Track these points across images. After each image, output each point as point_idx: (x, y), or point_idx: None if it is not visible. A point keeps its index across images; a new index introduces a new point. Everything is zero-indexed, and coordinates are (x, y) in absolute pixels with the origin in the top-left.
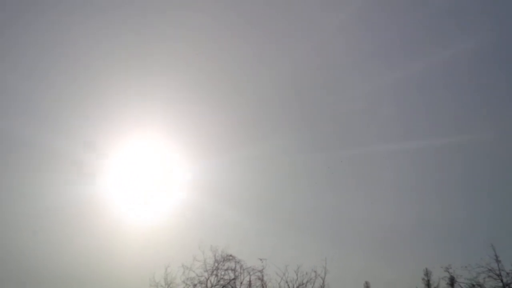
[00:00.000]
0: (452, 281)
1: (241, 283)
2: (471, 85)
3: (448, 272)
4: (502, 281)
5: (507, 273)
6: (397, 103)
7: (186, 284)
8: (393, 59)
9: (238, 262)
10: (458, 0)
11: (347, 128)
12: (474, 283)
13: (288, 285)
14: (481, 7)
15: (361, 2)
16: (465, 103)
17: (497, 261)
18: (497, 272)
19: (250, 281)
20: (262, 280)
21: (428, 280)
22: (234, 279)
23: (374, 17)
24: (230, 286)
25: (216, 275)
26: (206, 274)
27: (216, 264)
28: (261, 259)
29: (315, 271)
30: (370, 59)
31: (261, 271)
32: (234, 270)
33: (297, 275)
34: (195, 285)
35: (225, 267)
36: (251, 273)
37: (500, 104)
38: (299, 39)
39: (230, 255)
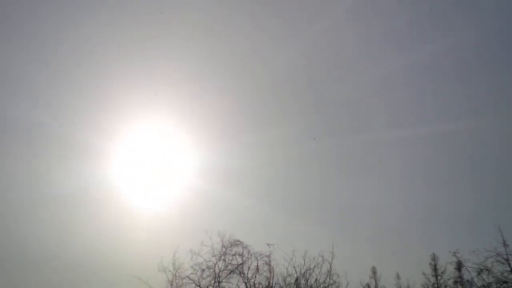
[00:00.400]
0: (459, 265)
1: (249, 268)
2: (481, 71)
3: (456, 257)
4: (510, 265)
5: None
6: (407, 88)
7: (194, 269)
8: (402, 44)
9: (246, 247)
10: None
11: (357, 114)
12: (482, 268)
13: (295, 270)
14: None
15: None
16: (475, 89)
17: (505, 245)
18: (505, 256)
19: (257, 266)
20: (269, 265)
21: (435, 265)
22: (241, 264)
23: (384, 2)
24: (237, 271)
25: (224, 260)
26: (214, 259)
27: (223, 249)
28: (268, 244)
29: (322, 256)
30: (379, 44)
31: (268, 256)
32: (241, 255)
33: (304, 260)
34: (203, 270)
35: (232, 252)
36: (258, 258)
37: (510, 91)
38: (309, 23)
39: (238, 241)
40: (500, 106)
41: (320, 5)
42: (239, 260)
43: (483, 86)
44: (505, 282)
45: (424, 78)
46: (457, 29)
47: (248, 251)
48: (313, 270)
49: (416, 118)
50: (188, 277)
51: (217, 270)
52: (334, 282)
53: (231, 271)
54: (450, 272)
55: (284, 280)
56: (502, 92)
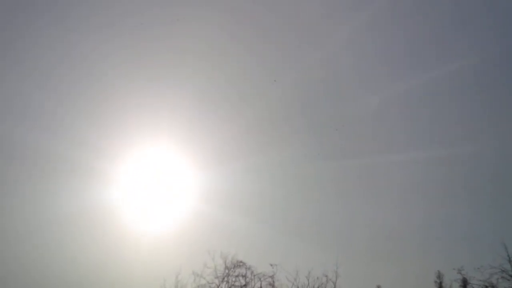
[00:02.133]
0: (464, 283)
1: None
2: (475, 98)
3: (461, 274)
4: None
5: None
6: (403, 114)
7: None
8: (399, 71)
9: (249, 268)
10: (464, 15)
11: (354, 137)
12: (487, 285)
13: None
14: (487, 21)
15: (368, 15)
16: (469, 115)
17: (510, 261)
18: (510, 273)
19: (261, 287)
20: (273, 286)
21: (441, 283)
22: (245, 285)
23: (381, 30)
24: None
25: (227, 282)
26: (217, 281)
27: (226, 271)
28: (271, 265)
29: (326, 276)
30: (376, 70)
31: (272, 277)
32: (245, 276)
33: (308, 280)
34: None
35: (235, 274)
36: (262, 279)
37: (503, 116)
38: (306, 50)
39: (241, 262)
40: (497, 131)
41: (317, 33)
42: (243, 282)
43: (479, 112)
44: None
45: (421, 104)
46: (454, 55)
47: (252, 272)
48: None
49: (412, 143)
50: None
51: None
52: None
53: None
54: None
55: None
56: (497, 118)
